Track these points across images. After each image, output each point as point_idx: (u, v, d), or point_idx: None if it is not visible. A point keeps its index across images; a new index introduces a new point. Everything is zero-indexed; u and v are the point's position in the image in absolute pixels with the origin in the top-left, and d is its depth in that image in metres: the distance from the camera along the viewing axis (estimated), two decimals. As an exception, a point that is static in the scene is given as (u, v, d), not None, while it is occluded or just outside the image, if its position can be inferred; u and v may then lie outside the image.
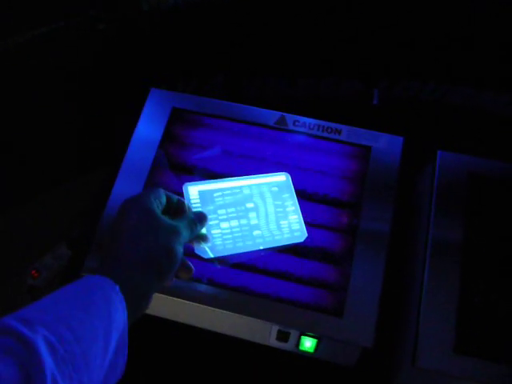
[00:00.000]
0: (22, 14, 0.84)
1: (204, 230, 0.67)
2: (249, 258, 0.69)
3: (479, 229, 0.68)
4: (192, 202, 0.68)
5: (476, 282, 0.64)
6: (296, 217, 0.71)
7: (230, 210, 0.69)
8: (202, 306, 0.66)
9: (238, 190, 0.71)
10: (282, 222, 0.70)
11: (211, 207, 0.69)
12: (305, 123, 0.77)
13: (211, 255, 0.66)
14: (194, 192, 0.69)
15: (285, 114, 0.77)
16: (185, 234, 0.58)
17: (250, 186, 0.72)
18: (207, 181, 0.71)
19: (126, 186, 0.73)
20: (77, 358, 0.42)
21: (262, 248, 0.68)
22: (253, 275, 0.68)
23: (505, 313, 0.62)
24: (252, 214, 0.70)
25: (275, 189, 0.72)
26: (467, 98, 0.93)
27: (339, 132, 0.75)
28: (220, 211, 0.69)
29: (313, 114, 0.77)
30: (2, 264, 0.86)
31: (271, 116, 0.77)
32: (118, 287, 0.49)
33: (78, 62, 0.90)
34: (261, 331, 0.68)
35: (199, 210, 0.67)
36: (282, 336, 0.66)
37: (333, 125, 0.76)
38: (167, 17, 0.88)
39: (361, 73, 0.94)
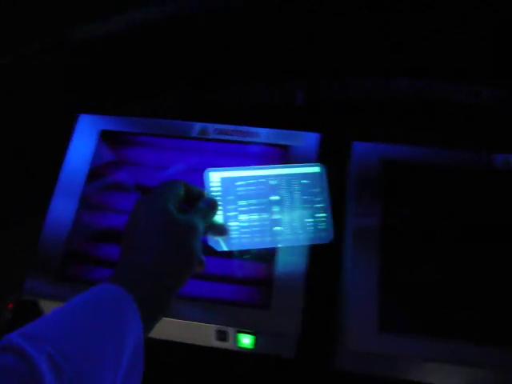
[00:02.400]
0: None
1: (221, 221, 0.62)
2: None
3: (395, 210, 0.71)
4: (212, 189, 0.64)
5: (396, 261, 0.67)
6: (325, 215, 0.64)
7: (251, 202, 0.64)
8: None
9: (263, 180, 0.65)
10: (307, 220, 0.64)
11: (231, 197, 0.64)
12: (226, 131, 0.78)
13: (224, 248, 0.62)
14: (216, 178, 0.65)
15: (206, 124, 0.79)
16: (201, 226, 0.55)
17: (277, 177, 0.66)
18: (232, 167, 0.66)
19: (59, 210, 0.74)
20: (85, 378, 0.39)
21: (280, 246, 0.63)
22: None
23: (424, 289, 0.65)
24: (275, 208, 0.64)
25: (306, 181, 0.66)
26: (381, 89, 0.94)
27: (257, 135, 0.77)
28: (240, 202, 0.64)
29: (241, 122, 0.79)
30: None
31: (193, 127, 0.79)
32: (131, 297, 0.45)
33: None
34: (202, 333, 0.68)
35: (218, 198, 0.63)
36: (221, 336, 0.66)
37: (251, 129, 0.78)
38: (101, 44, 0.88)
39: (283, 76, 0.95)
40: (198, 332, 0.68)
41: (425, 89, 0.93)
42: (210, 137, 0.78)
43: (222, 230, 0.62)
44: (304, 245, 0.64)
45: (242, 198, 0.64)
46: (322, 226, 0.64)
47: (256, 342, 0.67)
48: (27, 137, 0.94)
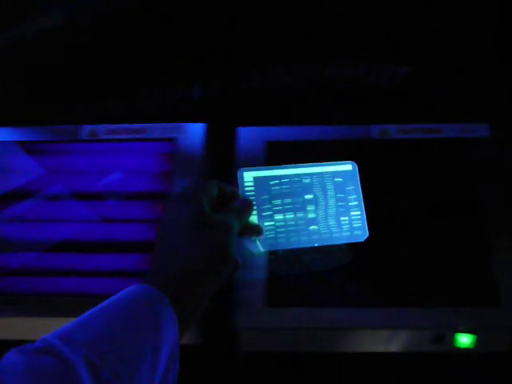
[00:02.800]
0: None
1: (256, 221, 0.62)
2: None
3: None
4: (246, 189, 0.63)
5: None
6: (359, 213, 0.64)
7: (286, 201, 0.64)
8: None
9: (297, 179, 0.65)
10: (342, 219, 0.64)
11: (266, 196, 0.63)
12: (114, 130, 0.79)
13: (261, 249, 0.62)
14: (249, 178, 0.64)
15: (94, 125, 0.80)
16: (236, 226, 0.54)
17: (310, 175, 0.65)
18: (265, 167, 0.66)
19: None
20: (122, 380, 0.39)
21: (316, 245, 0.62)
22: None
23: (303, 264, 0.69)
24: (310, 207, 0.64)
25: (339, 179, 0.66)
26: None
27: (145, 131, 0.78)
28: (275, 201, 0.63)
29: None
30: None
31: (82, 130, 0.80)
32: (167, 299, 0.45)
33: None
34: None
35: (252, 198, 0.63)
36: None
37: (138, 126, 0.79)
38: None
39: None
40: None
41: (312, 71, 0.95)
42: (101, 138, 0.79)
43: (257, 230, 0.61)
44: (341, 243, 0.63)
45: (276, 197, 0.64)
46: (358, 223, 0.64)
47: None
48: None
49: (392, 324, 0.67)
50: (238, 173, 0.64)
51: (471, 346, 0.67)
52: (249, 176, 0.64)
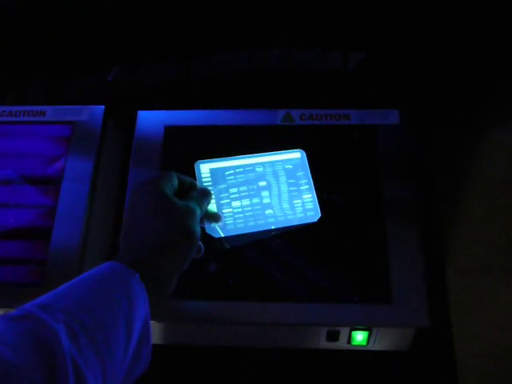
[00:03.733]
0: None
1: (215, 209, 0.66)
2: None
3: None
4: (203, 180, 0.67)
5: None
6: (310, 196, 0.69)
7: (241, 189, 0.68)
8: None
9: (250, 168, 0.69)
10: (295, 202, 0.68)
11: (223, 186, 0.67)
12: (11, 112, 0.77)
13: (222, 234, 0.65)
14: (206, 170, 0.68)
15: None
16: (198, 212, 0.58)
17: (263, 164, 0.70)
18: (219, 159, 0.69)
19: None
20: (99, 345, 0.41)
21: (273, 228, 0.67)
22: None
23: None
24: (264, 193, 0.68)
25: (289, 167, 0.70)
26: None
27: (44, 114, 0.77)
28: (232, 190, 0.67)
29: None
30: None
31: None
32: (138, 275, 0.48)
33: None
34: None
35: (210, 188, 0.66)
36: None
37: (37, 108, 0.77)
38: None
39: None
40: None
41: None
42: None
43: (217, 217, 0.65)
44: (295, 224, 0.68)
45: (232, 185, 0.68)
46: (309, 205, 0.68)
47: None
48: None
49: (288, 320, 0.65)
50: (195, 165, 0.68)
51: (364, 344, 0.68)
52: (205, 168, 0.68)
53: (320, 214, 0.68)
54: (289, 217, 0.67)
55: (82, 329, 0.41)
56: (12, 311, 0.41)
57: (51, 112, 0.77)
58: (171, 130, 0.78)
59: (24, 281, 0.68)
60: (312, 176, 0.70)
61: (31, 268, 0.68)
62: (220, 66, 0.93)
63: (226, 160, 0.69)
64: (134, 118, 0.80)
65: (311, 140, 0.76)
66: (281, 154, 0.71)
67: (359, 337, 0.67)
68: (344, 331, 0.67)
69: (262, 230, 0.66)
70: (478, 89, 0.72)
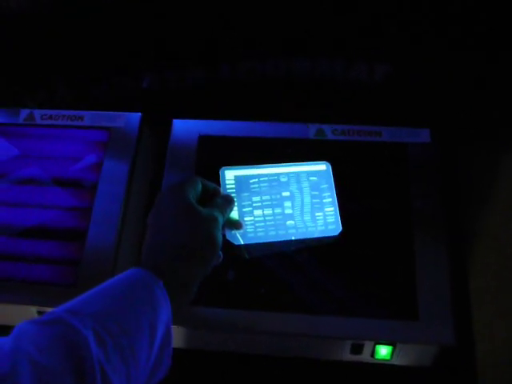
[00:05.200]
0: None
1: (237, 216, 0.66)
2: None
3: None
4: (227, 187, 0.68)
5: None
6: (332, 209, 0.69)
7: (264, 198, 0.68)
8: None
9: (275, 178, 0.70)
10: (317, 214, 0.68)
11: (246, 194, 0.68)
12: (51, 116, 0.79)
13: (241, 242, 0.66)
14: (230, 177, 0.69)
15: (33, 110, 0.80)
16: (220, 219, 0.58)
17: (287, 174, 0.70)
18: (245, 166, 0.70)
19: None
20: (125, 351, 0.42)
21: (293, 238, 0.67)
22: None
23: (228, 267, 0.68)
24: (287, 203, 0.68)
25: (314, 178, 0.71)
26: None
27: (82, 118, 0.79)
28: (255, 198, 0.68)
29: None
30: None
31: (20, 113, 0.80)
32: (161, 282, 0.49)
33: None
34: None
35: (233, 195, 0.67)
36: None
37: (76, 112, 0.79)
38: None
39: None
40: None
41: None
42: (36, 122, 0.79)
43: (238, 225, 0.66)
44: (315, 237, 0.68)
45: (256, 194, 0.68)
46: (331, 219, 0.68)
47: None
48: None
49: (311, 331, 0.65)
50: (220, 171, 0.69)
51: (389, 358, 0.67)
52: (230, 175, 0.69)
53: (341, 228, 0.68)
54: (310, 229, 0.67)
55: (109, 335, 0.42)
56: (42, 315, 0.43)
57: (89, 117, 0.79)
58: (205, 139, 0.79)
59: (58, 281, 0.69)
60: (342, 190, 0.70)
61: (66, 268, 0.69)
62: (247, 73, 0.93)
63: (252, 168, 0.70)
64: (167, 125, 0.81)
65: (342, 155, 0.76)
66: (306, 165, 0.71)
67: (383, 351, 0.67)
68: (368, 345, 0.66)
69: (282, 240, 0.67)
70: (505, 103, 0.71)
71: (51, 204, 0.73)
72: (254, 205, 0.68)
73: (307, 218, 0.68)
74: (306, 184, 0.70)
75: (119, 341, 0.42)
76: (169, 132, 0.80)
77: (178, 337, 0.69)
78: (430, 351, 0.67)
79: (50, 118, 0.79)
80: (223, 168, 0.69)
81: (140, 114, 0.79)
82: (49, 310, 0.60)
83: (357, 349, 0.67)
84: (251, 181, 0.69)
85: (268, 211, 0.68)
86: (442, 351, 0.66)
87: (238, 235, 0.66)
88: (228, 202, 0.64)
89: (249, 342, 0.70)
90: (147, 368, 0.46)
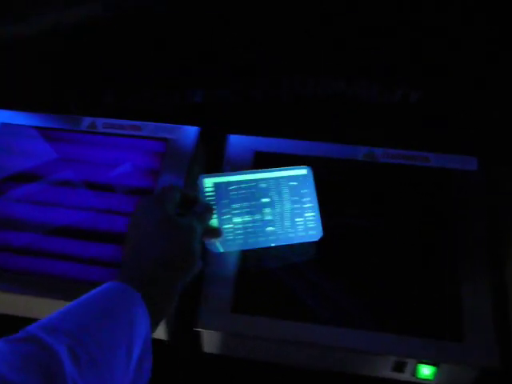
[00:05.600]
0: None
1: (216, 224, 0.66)
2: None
3: None
4: (207, 194, 0.67)
5: (250, 254, 0.70)
6: (313, 214, 0.68)
7: (244, 205, 0.68)
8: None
9: (254, 184, 0.69)
10: (297, 220, 0.68)
11: (226, 201, 0.67)
12: (112, 124, 0.81)
13: (221, 250, 0.66)
14: (209, 184, 0.68)
15: (95, 118, 0.82)
16: (199, 229, 0.59)
17: (267, 180, 0.70)
18: (224, 173, 0.70)
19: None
20: (100, 366, 0.42)
21: (273, 245, 0.66)
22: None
23: (274, 278, 0.69)
24: (267, 210, 0.68)
25: (294, 183, 0.70)
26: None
27: (140, 128, 0.81)
28: (234, 205, 0.67)
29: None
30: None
31: (82, 121, 0.82)
32: (139, 295, 0.49)
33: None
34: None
35: (213, 202, 0.67)
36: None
37: (135, 123, 0.81)
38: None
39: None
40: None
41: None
42: (99, 130, 0.81)
43: (217, 233, 0.65)
44: (296, 243, 0.67)
45: (235, 201, 0.68)
46: (312, 224, 0.68)
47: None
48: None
49: (353, 346, 0.65)
50: (199, 179, 0.68)
51: (431, 378, 0.66)
52: (209, 182, 0.68)
53: (322, 234, 0.67)
54: (290, 235, 0.67)
55: (83, 351, 0.42)
56: (16, 333, 0.43)
57: (147, 128, 0.81)
58: (261, 156, 0.80)
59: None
60: (391, 212, 0.73)
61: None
62: (292, 89, 0.95)
63: (231, 175, 0.69)
64: (221, 139, 0.83)
65: (389, 178, 0.78)
66: (287, 170, 0.71)
67: (425, 371, 0.66)
68: (411, 363, 0.66)
69: (261, 246, 0.67)
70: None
71: (110, 208, 0.75)
72: (234, 212, 0.67)
73: (287, 223, 0.67)
74: (285, 189, 0.69)
75: (94, 356, 0.42)
76: (223, 146, 0.81)
77: (219, 343, 0.70)
78: (473, 373, 0.66)
79: (110, 126, 0.82)
80: (202, 175, 0.68)
81: (197, 127, 0.81)
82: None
83: (399, 366, 0.66)
84: (230, 188, 0.68)
85: (247, 218, 0.67)
86: (485, 373, 0.66)
87: (218, 243, 0.65)
88: (207, 210, 0.64)
89: (285, 353, 0.70)
90: (126, 381, 0.46)
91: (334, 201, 0.74)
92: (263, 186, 0.69)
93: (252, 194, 0.69)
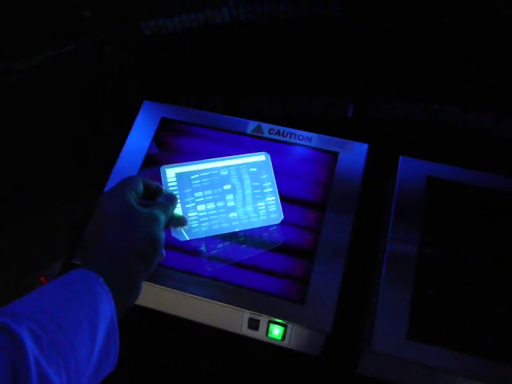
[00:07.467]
0: (36, 38, 0.93)
1: (181, 213, 0.68)
2: (226, 250, 0.69)
3: (435, 229, 0.70)
4: (169, 184, 0.69)
5: (430, 276, 0.67)
6: (273, 198, 0.71)
7: (206, 193, 0.70)
8: (181, 292, 0.66)
9: (215, 172, 0.71)
10: (259, 204, 0.70)
11: (188, 190, 0.69)
12: (279, 131, 0.79)
13: (187, 237, 0.67)
14: (172, 174, 0.70)
15: (261, 123, 0.80)
16: (162, 218, 0.60)
17: (228, 168, 0.72)
18: (185, 163, 0.71)
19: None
20: (62, 346, 0.44)
21: (237, 230, 0.69)
22: (229, 267, 0.68)
23: (452, 305, 0.65)
24: (229, 196, 0.70)
25: (254, 169, 0.72)
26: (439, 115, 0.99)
27: (309, 139, 0.79)
28: (197, 194, 0.69)
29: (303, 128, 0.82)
30: (14, 271, 0.89)
31: (248, 125, 0.80)
32: (101, 279, 0.50)
33: (85, 81, 0.98)
34: (234, 320, 0.69)
35: (176, 192, 0.68)
36: (253, 324, 0.67)
37: (304, 133, 0.79)
38: (167, 40, 0.96)
39: (349, 92, 1.01)
40: (229, 317, 0.69)
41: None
42: (264, 135, 0.79)
43: (182, 221, 0.67)
44: (258, 227, 0.70)
45: (197, 189, 0.70)
46: (272, 208, 0.70)
47: (284, 334, 0.68)
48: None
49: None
50: (161, 169, 0.70)
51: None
52: (171, 172, 0.70)
53: (283, 216, 0.70)
54: (252, 219, 0.70)
55: (43, 332, 0.43)
56: None
57: (317, 139, 0.79)
58: (433, 182, 0.75)
59: (287, 295, 0.67)
60: (454, 229, 0.71)
61: (294, 284, 0.68)
62: (396, 112, 0.98)
63: (192, 164, 0.71)
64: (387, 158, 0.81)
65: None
66: (246, 157, 0.73)
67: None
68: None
69: (226, 232, 0.69)
70: None
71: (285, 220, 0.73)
72: (197, 200, 0.69)
73: (249, 208, 0.70)
74: (246, 176, 0.72)
75: (54, 336, 0.44)
76: (389, 166, 0.79)
77: (381, 367, 0.68)
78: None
79: (278, 133, 0.79)
80: (164, 166, 0.70)
81: (367, 144, 0.78)
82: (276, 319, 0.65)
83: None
84: (192, 177, 0.70)
85: (211, 205, 0.69)
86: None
87: (183, 231, 0.67)
88: (170, 200, 0.65)
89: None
90: (91, 362, 0.47)
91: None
92: (224, 173, 0.71)
93: (214, 181, 0.71)
